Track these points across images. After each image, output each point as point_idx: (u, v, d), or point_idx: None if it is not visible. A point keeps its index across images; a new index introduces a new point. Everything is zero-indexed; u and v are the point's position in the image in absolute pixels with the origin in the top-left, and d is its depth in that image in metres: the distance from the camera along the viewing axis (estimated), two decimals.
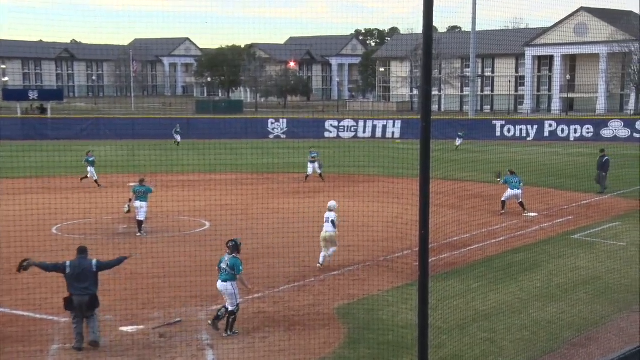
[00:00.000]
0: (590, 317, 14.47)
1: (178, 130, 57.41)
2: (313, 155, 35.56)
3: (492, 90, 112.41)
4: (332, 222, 18.37)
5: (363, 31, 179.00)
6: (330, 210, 18.62)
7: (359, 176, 34.76)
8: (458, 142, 49.20)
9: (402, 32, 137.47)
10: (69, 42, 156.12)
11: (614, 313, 14.67)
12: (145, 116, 76.67)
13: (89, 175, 33.08)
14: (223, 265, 13.64)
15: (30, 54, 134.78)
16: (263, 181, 33.62)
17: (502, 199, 26.19)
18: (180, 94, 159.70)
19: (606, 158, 31.27)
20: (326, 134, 62.89)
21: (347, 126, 64.47)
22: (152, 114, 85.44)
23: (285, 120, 65.52)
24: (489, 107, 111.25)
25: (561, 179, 31.07)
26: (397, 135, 62.81)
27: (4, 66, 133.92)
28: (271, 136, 62.92)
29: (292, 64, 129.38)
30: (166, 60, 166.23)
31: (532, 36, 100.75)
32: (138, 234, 22.43)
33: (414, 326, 8.68)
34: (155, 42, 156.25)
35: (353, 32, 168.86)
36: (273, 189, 31.00)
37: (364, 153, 38.67)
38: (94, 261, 12.92)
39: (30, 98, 71.94)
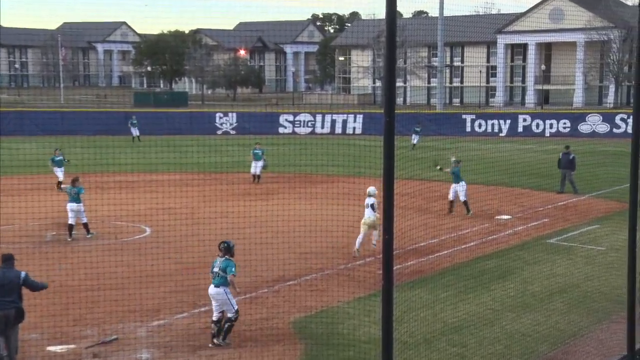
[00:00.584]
0: (567, 328, 14.72)
1: (134, 122, 56.76)
2: (256, 151, 35.75)
3: (462, 82, 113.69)
4: (372, 206, 20.46)
5: (320, 16, 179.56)
6: (369, 195, 20.68)
7: (317, 176, 34.83)
8: (414, 139, 49.03)
9: (363, 18, 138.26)
10: None
11: (593, 324, 14.94)
12: (76, 109, 75.68)
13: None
14: (215, 269, 13.93)
15: None
16: (210, 182, 33.46)
17: (462, 199, 26.58)
18: (117, 85, 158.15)
19: (572, 156, 31.95)
20: (280, 130, 62.89)
21: (304, 121, 64.56)
22: (84, 107, 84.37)
23: (234, 115, 65.34)
24: (458, 99, 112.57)
25: (536, 179, 31.55)
26: (358, 130, 63.05)
27: None
28: (219, 132, 62.65)
29: (242, 52, 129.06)
30: (100, 47, 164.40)
31: (504, 22, 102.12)
32: (69, 239, 22.34)
33: (378, 341, 8.72)
34: (87, 26, 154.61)
35: (309, 16, 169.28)
36: (221, 190, 30.87)
37: (323, 150, 38.78)
38: (23, 273, 12.67)
39: None
